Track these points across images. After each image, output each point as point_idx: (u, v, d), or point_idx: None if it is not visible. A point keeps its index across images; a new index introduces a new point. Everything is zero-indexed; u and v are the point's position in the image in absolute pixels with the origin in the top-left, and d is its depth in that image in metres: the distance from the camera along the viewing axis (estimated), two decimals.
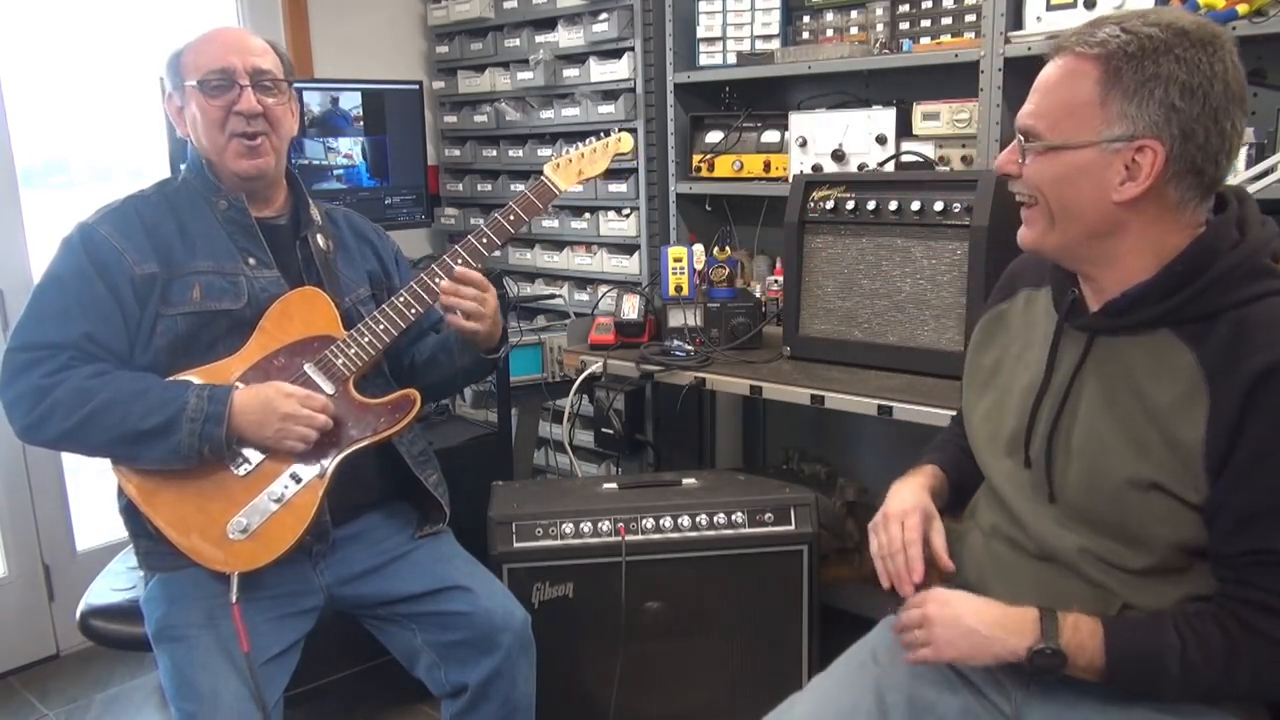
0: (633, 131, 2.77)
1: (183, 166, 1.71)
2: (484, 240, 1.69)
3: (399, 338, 1.67)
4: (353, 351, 1.62)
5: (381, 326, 1.64)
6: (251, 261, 1.64)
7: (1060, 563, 1.22)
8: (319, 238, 1.73)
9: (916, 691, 1.29)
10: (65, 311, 1.54)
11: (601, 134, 1.84)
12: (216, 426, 1.50)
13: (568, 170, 1.79)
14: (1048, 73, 1.15)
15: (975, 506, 1.39)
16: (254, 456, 1.56)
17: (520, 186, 3.16)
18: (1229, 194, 1.17)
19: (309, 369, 1.61)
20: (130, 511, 1.61)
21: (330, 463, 1.59)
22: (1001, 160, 1.20)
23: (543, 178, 1.78)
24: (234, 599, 1.50)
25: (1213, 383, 1.07)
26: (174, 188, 1.67)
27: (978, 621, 1.17)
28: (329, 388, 1.61)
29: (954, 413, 1.58)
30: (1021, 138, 1.17)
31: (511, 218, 1.71)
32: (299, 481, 1.57)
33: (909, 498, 1.34)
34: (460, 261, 1.67)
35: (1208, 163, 1.09)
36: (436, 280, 1.66)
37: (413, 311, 1.66)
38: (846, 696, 1.30)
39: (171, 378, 1.57)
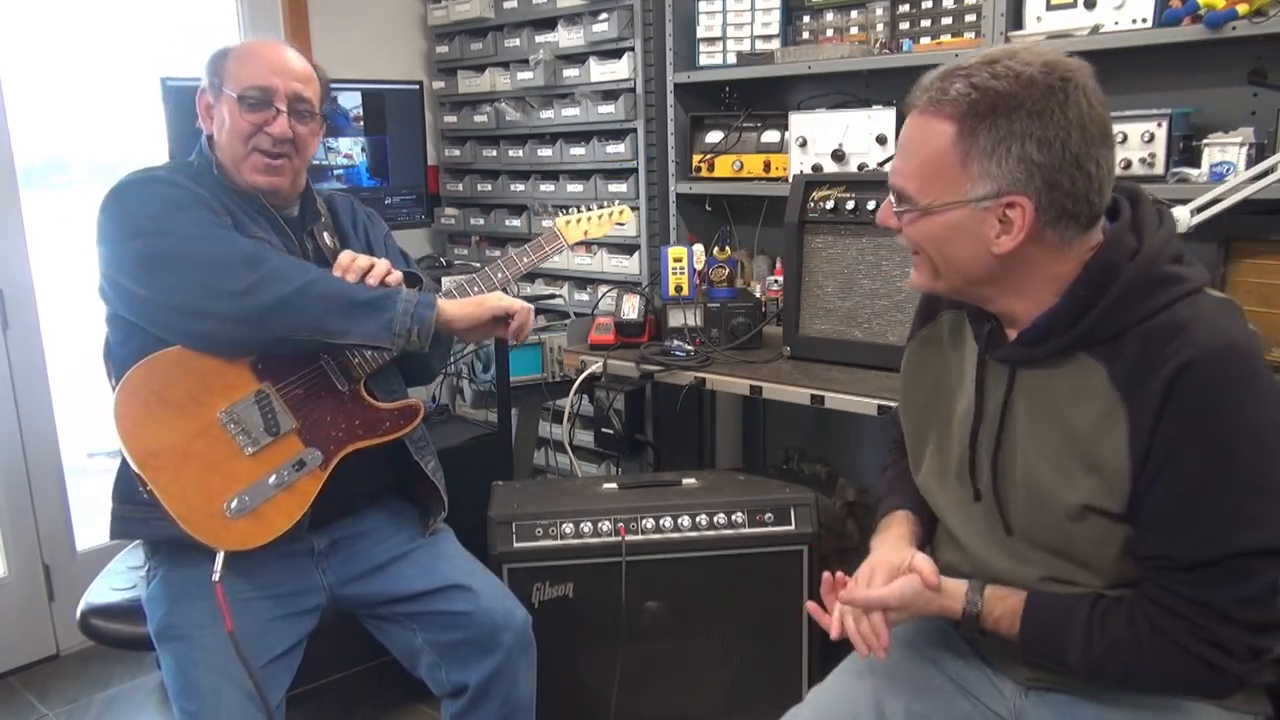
0: (633, 131, 2.79)
1: (192, 157, 1.69)
2: (499, 275, 1.81)
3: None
4: (369, 354, 1.65)
5: None
6: (280, 246, 1.65)
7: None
8: (325, 235, 1.74)
9: (914, 701, 1.29)
10: (212, 222, 1.54)
11: (607, 202, 2.11)
12: (429, 310, 1.55)
13: (575, 228, 2.01)
14: (908, 131, 1.14)
15: (936, 545, 1.38)
16: (264, 438, 1.56)
17: (520, 187, 3.17)
18: (1119, 197, 1.15)
19: (324, 363, 1.63)
20: (124, 476, 1.59)
21: (334, 455, 1.60)
22: (881, 216, 1.20)
23: (554, 228, 1.97)
24: (216, 578, 1.49)
25: (1129, 400, 1.08)
26: (195, 171, 1.65)
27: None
28: (343, 385, 1.63)
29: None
30: (893, 199, 1.16)
31: (526, 260, 1.86)
32: (302, 468, 1.58)
33: (880, 556, 1.29)
34: (476, 290, 1.75)
35: (1080, 204, 1.08)
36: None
37: None
38: (846, 708, 1.30)
39: None
